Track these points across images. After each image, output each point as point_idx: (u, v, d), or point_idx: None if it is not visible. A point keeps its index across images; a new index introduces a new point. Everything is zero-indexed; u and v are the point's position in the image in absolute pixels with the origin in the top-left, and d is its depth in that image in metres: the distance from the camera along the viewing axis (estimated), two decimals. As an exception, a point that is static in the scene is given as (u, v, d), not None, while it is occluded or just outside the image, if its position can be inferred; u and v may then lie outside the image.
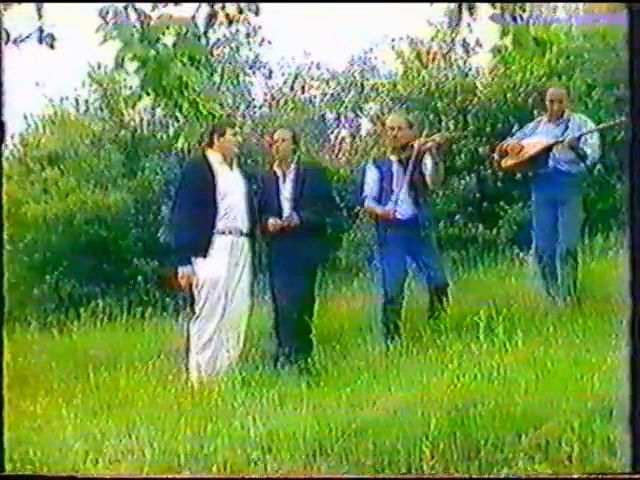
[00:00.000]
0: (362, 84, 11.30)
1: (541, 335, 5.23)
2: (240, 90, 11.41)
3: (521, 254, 7.82)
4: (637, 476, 3.11)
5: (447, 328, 5.72)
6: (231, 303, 5.90)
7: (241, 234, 5.96)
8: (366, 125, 11.12)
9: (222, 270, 5.86)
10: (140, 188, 10.16)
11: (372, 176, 6.41)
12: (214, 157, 6.03)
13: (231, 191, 5.95)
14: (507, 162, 6.76)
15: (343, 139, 11.37)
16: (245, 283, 6.01)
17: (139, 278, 9.43)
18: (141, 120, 10.97)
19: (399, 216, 6.22)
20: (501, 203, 9.06)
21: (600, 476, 3.52)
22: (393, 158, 6.39)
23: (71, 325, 8.30)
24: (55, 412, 5.12)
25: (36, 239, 9.82)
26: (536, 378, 4.34)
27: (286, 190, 6.26)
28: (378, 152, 9.00)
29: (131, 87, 10.42)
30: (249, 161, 9.91)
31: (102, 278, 9.64)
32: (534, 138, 6.66)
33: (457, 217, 9.25)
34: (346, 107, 11.42)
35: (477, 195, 9.28)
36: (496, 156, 6.92)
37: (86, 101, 11.29)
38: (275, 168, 6.36)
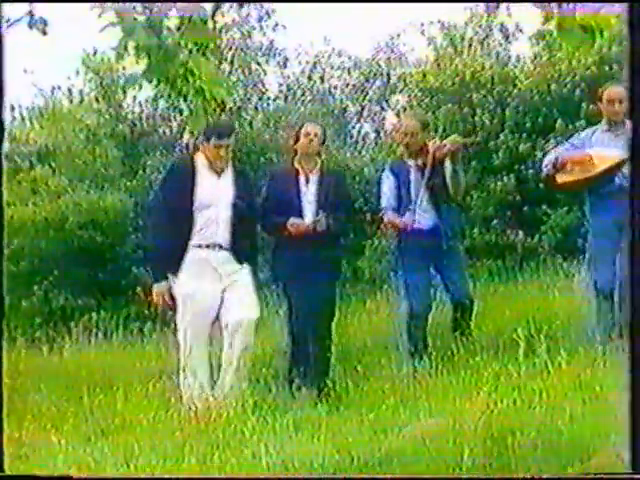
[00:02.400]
0: (388, 74, 11.44)
1: (588, 356, 5.21)
2: (252, 80, 11.48)
3: (565, 264, 7.81)
4: (637, 476, 3.24)
5: (482, 347, 5.73)
6: (220, 320, 5.85)
7: (220, 248, 5.90)
8: (392, 119, 11.18)
9: (195, 286, 5.83)
10: (140, 189, 10.17)
11: (389, 184, 6.45)
12: (201, 161, 6.01)
13: (211, 203, 5.90)
14: (566, 178, 6.24)
15: (366, 135, 11.51)
16: (233, 299, 5.90)
17: (138, 289, 9.37)
18: (141, 112, 11.03)
19: (419, 226, 6.26)
20: (543, 207, 9.07)
21: (600, 476, 3.64)
22: (411, 163, 6.41)
23: (62, 342, 8.35)
24: (44, 438, 5.15)
25: (23, 245, 9.88)
26: (583, 404, 4.33)
27: (309, 192, 6.26)
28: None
29: (130, 75, 10.62)
30: (261, 158, 10.00)
31: (97, 289, 9.70)
32: (596, 150, 6.15)
33: (494, 222, 9.27)
34: (370, 99, 11.58)
35: (516, 198, 9.30)
36: (548, 169, 6.34)
37: (80, 91, 11.39)
38: (297, 166, 6.34)
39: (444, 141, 6.35)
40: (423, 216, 6.29)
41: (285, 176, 6.40)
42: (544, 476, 3.69)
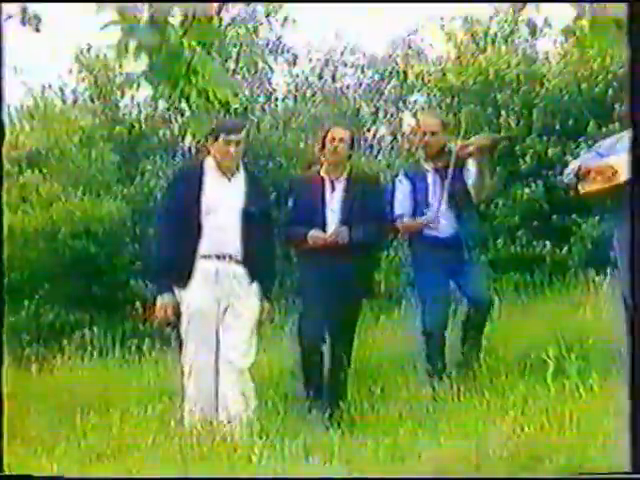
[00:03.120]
0: (405, 72, 11.40)
1: (621, 377, 5.20)
2: (259, 78, 11.52)
3: (597, 278, 7.79)
4: (637, 476, 3.42)
5: (507, 367, 5.77)
6: (227, 338, 5.83)
7: (231, 259, 5.86)
8: (409, 121, 11.19)
9: (203, 302, 5.81)
10: (138, 196, 10.21)
11: (404, 190, 6.41)
12: (209, 164, 6.02)
13: (219, 208, 5.88)
14: (588, 187, 6.26)
15: (382, 138, 11.51)
16: (242, 317, 5.88)
17: (136, 304, 9.42)
18: (140, 113, 11.03)
19: (437, 234, 6.26)
20: (573, 216, 9.07)
21: (600, 476, 3.81)
22: (428, 166, 6.41)
23: (53, 360, 8.35)
24: (34, 463, 5.17)
25: (12, 256, 9.83)
26: (616, 429, 4.29)
27: (334, 201, 6.25)
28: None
29: (128, 74, 10.68)
30: (270, 164, 10.00)
31: (91, 303, 9.70)
32: (620, 158, 6.09)
33: (519, 232, 9.28)
34: (386, 99, 11.60)
35: (544, 206, 9.29)
36: (570, 178, 6.38)
37: (73, 90, 11.40)
38: (323, 174, 6.34)
39: (473, 138, 6.34)
40: (442, 223, 6.29)
41: (309, 184, 6.40)
42: (544, 476, 3.80)
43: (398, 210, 6.39)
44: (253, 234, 5.86)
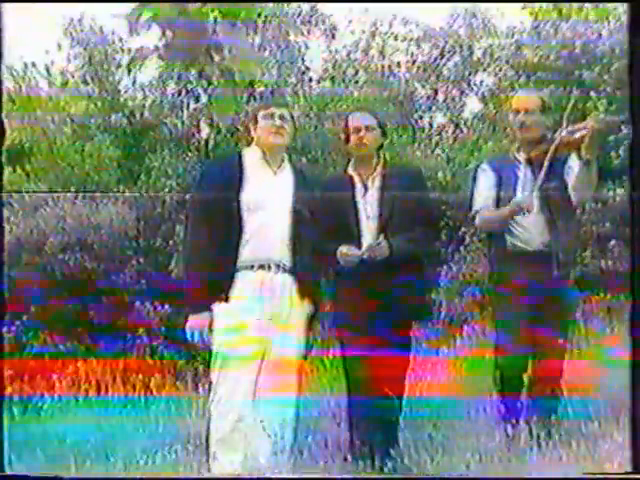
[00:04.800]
0: (470, 46, 11.46)
1: None
2: (290, 55, 11.42)
3: None
4: (637, 476, 3.96)
5: (596, 411, 5.75)
6: (266, 369, 5.86)
7: (278, 269, 5.87)
8: (476, 106, 11.24)
9: (247, 322, 5.81)
10: (143, 198, 10.27)
11: (487, 182, 6.29)
12: (251, 155, 6.05)
13: (264, 205, 5.88)
14: None
15: (442, 127, 11.46)
16: (290, 341, 5.93)
17: (140, 331, 9.50)
18: (144, 99, 10.99)
19: (521, 245, 6.17)
20: (679, 222, 8.99)
21: (600, 476, 4.31)
22: (519, 156, 6.29)
23: (40, 399, 8.35)
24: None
25: (-10, 273, 9.98)
26: None
27: (369, 204, 6.16)
28: (496, 146, 9.06)
29: (129, 50, 10.58)
30: (303, 159, 9.99)
31: (87, 330, 9.75)
32: None
33: (611, 243, 9.19)
34: (446, 80, 11.53)
35: (642, 211, 9.22)
36: None
37: (63, 70, 11.42)
38: (351, 172, 6.27)
39: (582, 123, 6.08)
40: (531, 232, 6.15)
41: (337, 187, 6.29)
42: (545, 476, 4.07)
43: (478, 205, 6.29)
44: (303, 240, 5.90)
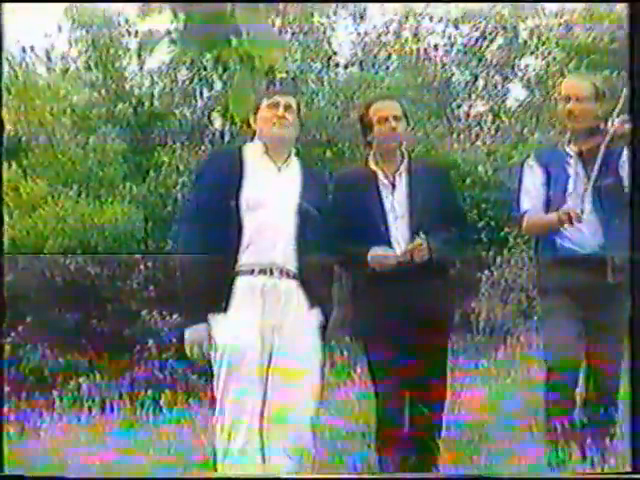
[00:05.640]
0: (515, 27, 11.09)
1: None
2: (315, 38, 11.25)
3: None
4: (637, 476, 4.15)
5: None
6: (273, 387, 5.57)
7: (281, 274, 5.61)
8: (520, 93, 11.02)
9: (245, 333, 5.54)
10: (152, 196, 10.21)
11: (535, 180, 6.07)
12: (252, 150, 5.84)
13: (266, 203, 5.65)
14: None
15: (481, 117, 11.15)
16: (298, 354, 5.62)
17: (149, 342, 9.32)
18: (152, 87, 10.99)
19: (573, 248, 5.88)
20: None
21: (600, 476, 4.56)
22: (570, 150, 6.05)
23: (38, 420, 8.27)
24: None
25: (-16, 278, 9.94)
26: None
27: (397, 203, 5.96)
28: (543, 138, 8.96)
29: (137, 33, 10.63)
30: (327, 152, 9.80)
31: (89, 342, 9.63)
32: None
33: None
34: (488, 65, 11.19)
35: None
36: None
37: (64, 55, 11.39)
38: (373, 167, 6.06)
39: None
40: (584, 233, 5.89)
41: (359, 184, 6.10)
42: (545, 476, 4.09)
43: (525, 205, 6.07)
44: (309, 243, 5.67)
